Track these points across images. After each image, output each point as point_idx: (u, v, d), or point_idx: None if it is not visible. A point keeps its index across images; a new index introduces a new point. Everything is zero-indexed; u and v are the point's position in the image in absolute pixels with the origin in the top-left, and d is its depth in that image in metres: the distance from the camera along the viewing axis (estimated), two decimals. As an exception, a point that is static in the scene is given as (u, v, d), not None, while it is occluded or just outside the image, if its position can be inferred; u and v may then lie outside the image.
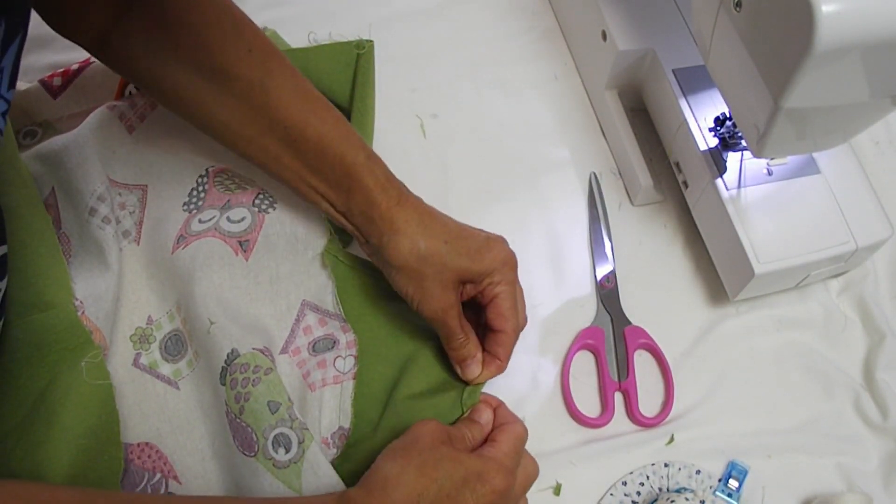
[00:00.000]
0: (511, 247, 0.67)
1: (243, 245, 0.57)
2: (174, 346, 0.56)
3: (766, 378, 0.64)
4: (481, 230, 0.57)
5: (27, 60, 0.72)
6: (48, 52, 0.72)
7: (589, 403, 0.62)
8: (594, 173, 0.71)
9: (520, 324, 0.56)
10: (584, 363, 0.63)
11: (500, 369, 0.56)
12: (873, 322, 0.66)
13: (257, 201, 0.59)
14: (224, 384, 0.53)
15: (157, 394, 0.55)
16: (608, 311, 0.65)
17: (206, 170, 0.60)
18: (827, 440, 0.61)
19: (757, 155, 0.57)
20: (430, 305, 0.54)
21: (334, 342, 0.58)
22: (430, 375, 0.57)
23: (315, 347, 0.58)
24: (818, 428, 0.62)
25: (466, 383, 0.57)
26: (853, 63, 0.44)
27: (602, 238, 0.68)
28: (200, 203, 0.59)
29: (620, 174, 0.71)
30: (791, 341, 0.65)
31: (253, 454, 0.51)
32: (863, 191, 0.63)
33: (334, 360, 0.57)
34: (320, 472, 0.50)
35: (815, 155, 0.63)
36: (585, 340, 0.63)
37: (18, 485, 0.42)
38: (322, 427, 0.55)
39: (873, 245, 0.62)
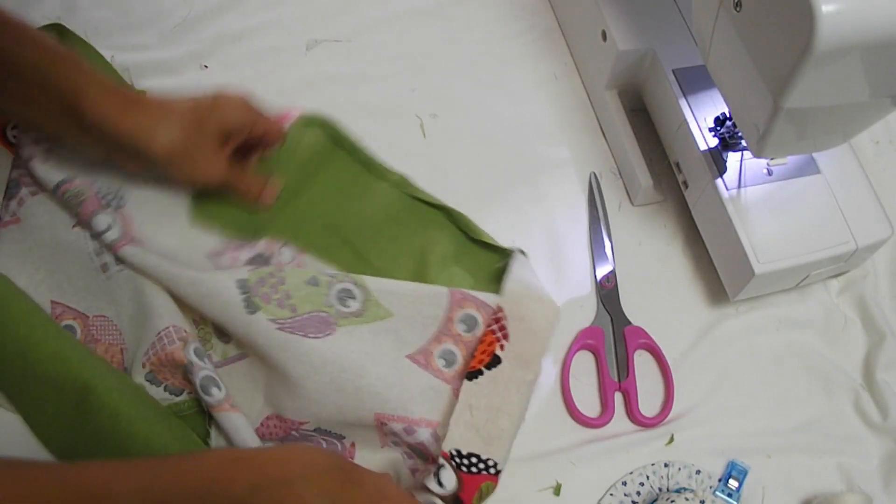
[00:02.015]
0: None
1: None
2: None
3: (766, 378, 0.64)
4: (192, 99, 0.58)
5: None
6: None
7: (589, 403, 0.62)
8: (594, 173, 0.71)
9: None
10: (584, 363, 0.63)
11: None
12: (873, 322, 0.66)
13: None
14: (257, 308, 0.55)
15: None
16: (608, 311, 0.65)
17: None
18: (827, 440, 0.61)
19: (757, 155, 0.57)
20: (209, 176, 0.59)
21: (261, 255, 0.61)
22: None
23: (254, 261, 0.61)
24: (818, 428, 0.62)
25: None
26: (853, 63, 0.44)
27: (602, 238, 0.68)
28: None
29: (620, 174, 0.71)
30: (791, 341, 0.65)
31: (334, 327, 0.56)
32: (863, 191, 0.63)
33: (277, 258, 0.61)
34: (390, 288, 0.58)
35: (815, 155, 0.63)
36: (585, 340, 0.63)
37: None
38: None
39: (873, 245, 0.62)
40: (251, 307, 0.55)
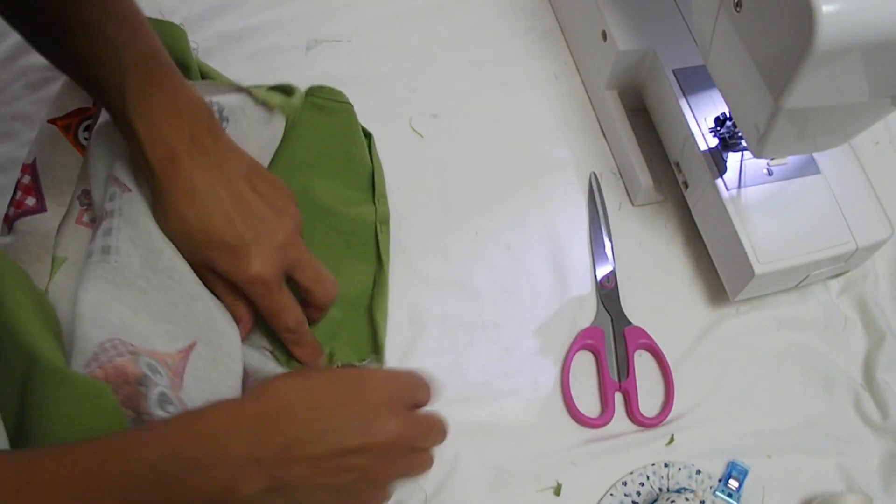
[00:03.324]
0: (509, 247, 0.67)
1: None
2: None
3: (766, 378, 0.64)
4: (262, 221, 0.53)
5: (27, 61, 0.72)
6: (48, 52, 0.72)
7: (589, 403, 0.62)
8: (594, 173, 0.71)
9: (290, 323, 0.55)
10: (584, 363, 0.63)
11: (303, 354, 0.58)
12: (873, 322, 0.66)
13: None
14: None
15: None
16: (608, 311, 0.65)
17: None
18: (827, 440, 0.61)
19: (757, 155, 0.57)
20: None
21: None
22: None
23: None
24: (818, 428, 0.62)
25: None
26: (853, 63, 0.44)
27: (602, 238, 0.68)
28: None
29: (620, 174, 0.71)
30: (791, 341, 0.65)
31: None
32: (863, 191, 0.63)
33: None
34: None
35: (815, 155, 0.63)
36: (585, 340, 0.63)
37: None
38: None
39: (873, 245, 0.62)
40: None
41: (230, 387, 0.52)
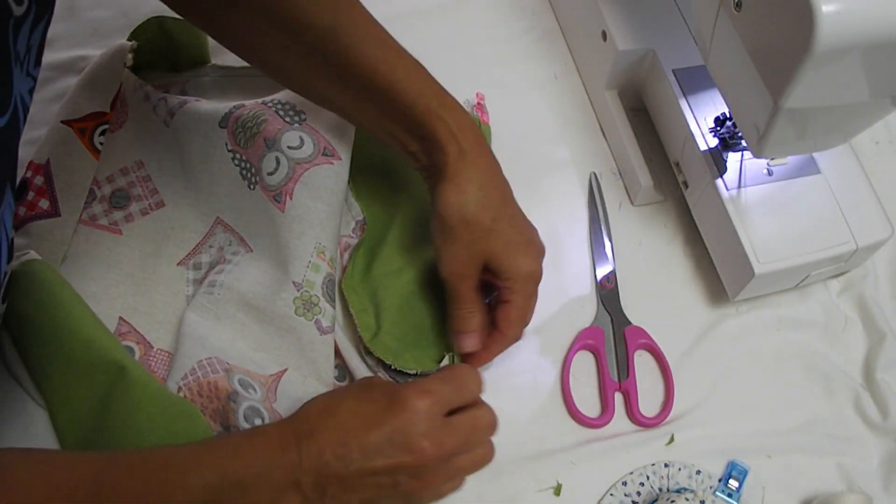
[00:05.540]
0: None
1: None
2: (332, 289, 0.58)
3: (766, 378, 0.64)
4: (531, 227, 0.57)
5: (27, 60, 0.72)
6: (49, 51, 0.72)
7: (589, 403, 0.62)
8: (594, 173, 0.71)
9: (517, 335, 0.57)
10: (584, 363, 0.63)
11: (482, 361, 0.57)
12: (873, 322, 0.66)
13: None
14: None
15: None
16: (608, 311, 0.65)
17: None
18: (827, 440, 0.61)
19: (757, 155, 0.57)
20: (448, 265, 0.55)
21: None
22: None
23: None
24: (818, 428, 0.62)
25: None
26: (853, 63, 0.44)
27: (602, 238, 0.68)
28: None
29: (620, 174, 0.71)
30: (791, 341, 0.65)
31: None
32: (863, 191, 0.63)
33: None
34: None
35: (815, 155, 0.63)
36: (585, 340, 0.63)
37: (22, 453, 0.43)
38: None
39: (873, 245, 0.62)
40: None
41: None
